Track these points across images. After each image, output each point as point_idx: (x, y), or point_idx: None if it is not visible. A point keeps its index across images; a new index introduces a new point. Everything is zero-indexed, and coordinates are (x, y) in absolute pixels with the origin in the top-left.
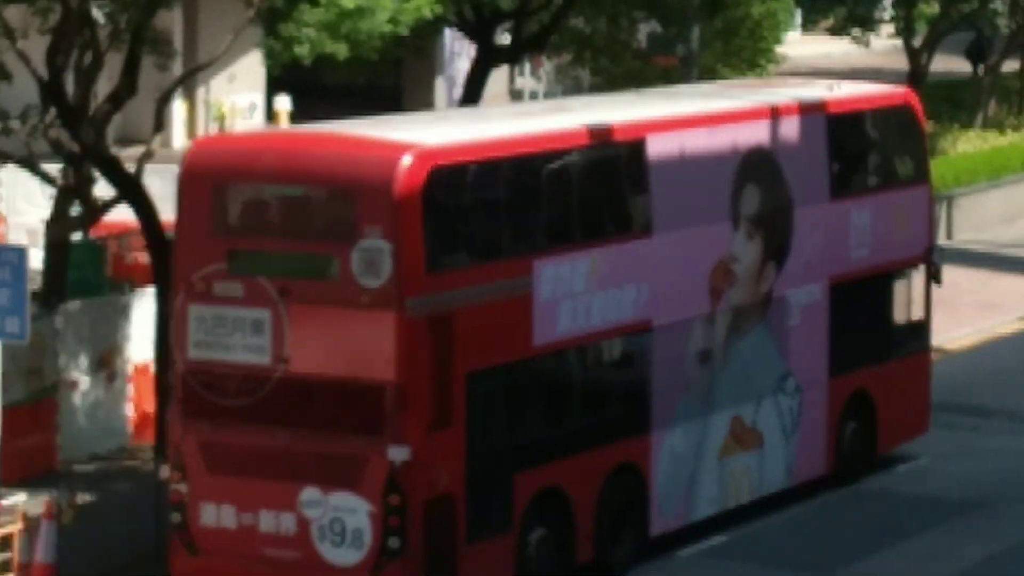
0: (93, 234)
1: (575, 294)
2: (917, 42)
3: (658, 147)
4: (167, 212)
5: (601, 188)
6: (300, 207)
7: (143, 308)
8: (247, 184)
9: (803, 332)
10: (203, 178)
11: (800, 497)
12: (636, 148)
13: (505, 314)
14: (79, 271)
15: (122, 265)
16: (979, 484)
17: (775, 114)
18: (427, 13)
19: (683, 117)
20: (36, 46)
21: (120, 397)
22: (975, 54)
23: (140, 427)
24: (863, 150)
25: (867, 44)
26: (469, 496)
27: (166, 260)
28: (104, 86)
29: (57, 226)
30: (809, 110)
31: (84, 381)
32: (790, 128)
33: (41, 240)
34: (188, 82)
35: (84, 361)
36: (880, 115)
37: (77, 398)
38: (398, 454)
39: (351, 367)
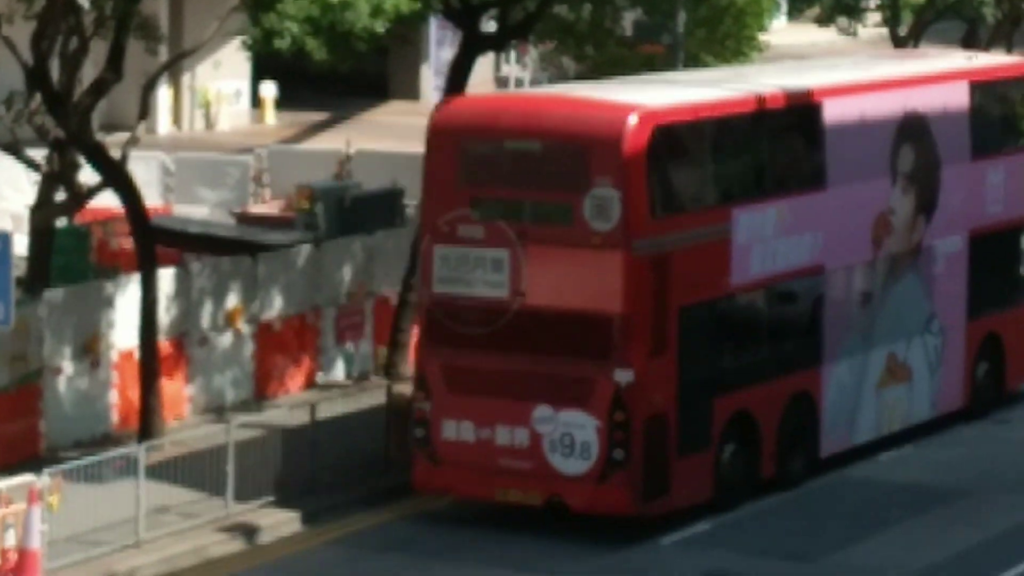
0: (78, 220)
1: (764, 240)
2: (903, 31)
3: (833, 110)
4: (152, 198)
5: (786, 146)
6: (537, 160)
7: (128, 294)
8: (490, 139)
9: (946, 279)
10: (450, 134)
11: (784, 486)
12: (815, 111)
13: (709, 256)
14: (64, 257)
15: (107, 251)
16: (962, 473)
17: (927, 81)
18: (404, 9)
19: (852, 83)
20: (21, 32)
21: (104, 383)
22: (970, 44)
23: (124, 413)
24: (998, 115)
25: (854, 34)
26: (679, 415)
27: (150, 246)
28: (89, 72)
29: (42, 212)
30: (954, 78)
31: (68, 367)
32: (939, 94)
33: (25, 226)
34: (173, 69)
35: (68, 347)
36: (1012, 84)
37: (61, 384)
38: (623, 376)
39: (582, 300)
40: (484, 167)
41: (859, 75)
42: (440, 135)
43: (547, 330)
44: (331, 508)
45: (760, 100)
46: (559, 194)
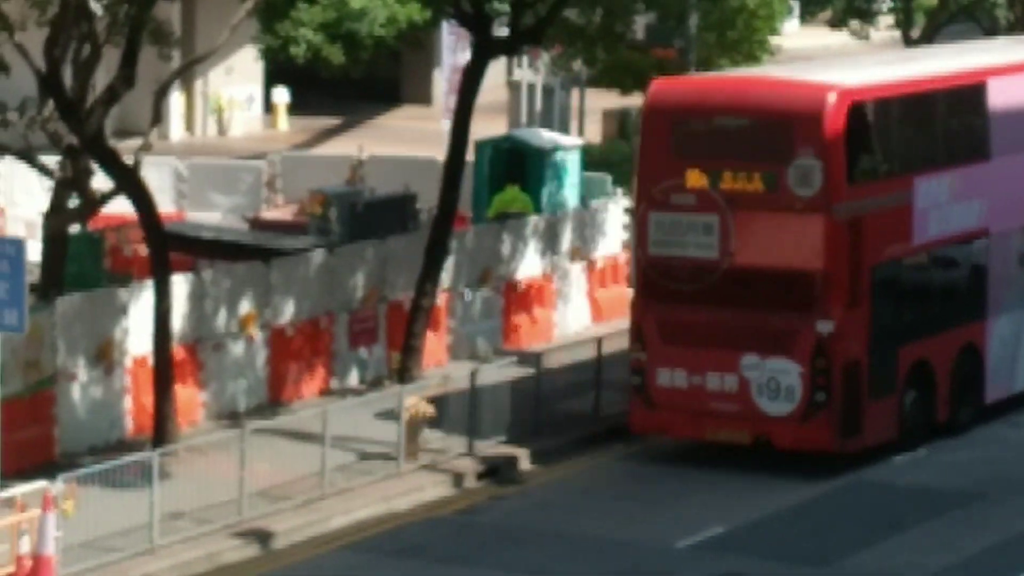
0: (91, 226)
1: (939, 205)
2: (915, 33)
3: (996, 88)
4: (165, 204)
5: (958, 120)
6: (745, 134)
7: (141, 300)
8: (701, 116)
9: None
10: (664, 111)
11: (798, 488)
12: (982, 89)
13: (895, 219)
14: (77, 263)
15: (120, 257)
16: (977, 476)
17: None
18: (417, 19)
19: (1011, 64)
20: (34, 39)
21: (118, 390)
22: None
23: (138, 419)
24: None
25: (867, 37)
26: (870, 363)
27: (164, 252)
28: (102, 78)
29: (55, 218)
30: None
31: (82, 374)
32: None
33: (39, 232)
34: (186, 74)
35: (82, 354)
36: None
37: (75, 390)
38: (825, 327)
39: (786, 259)
40: (695, 141)
41: (1013, 57)
42: (654, 113)
43: (753, 286)
44: (346, 512)
45: (938, 79)
46: (765, 164)
